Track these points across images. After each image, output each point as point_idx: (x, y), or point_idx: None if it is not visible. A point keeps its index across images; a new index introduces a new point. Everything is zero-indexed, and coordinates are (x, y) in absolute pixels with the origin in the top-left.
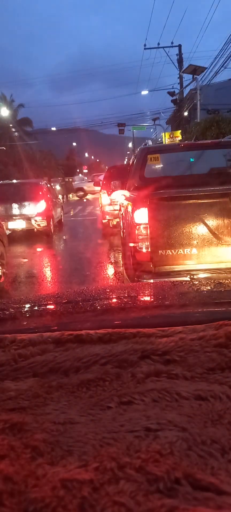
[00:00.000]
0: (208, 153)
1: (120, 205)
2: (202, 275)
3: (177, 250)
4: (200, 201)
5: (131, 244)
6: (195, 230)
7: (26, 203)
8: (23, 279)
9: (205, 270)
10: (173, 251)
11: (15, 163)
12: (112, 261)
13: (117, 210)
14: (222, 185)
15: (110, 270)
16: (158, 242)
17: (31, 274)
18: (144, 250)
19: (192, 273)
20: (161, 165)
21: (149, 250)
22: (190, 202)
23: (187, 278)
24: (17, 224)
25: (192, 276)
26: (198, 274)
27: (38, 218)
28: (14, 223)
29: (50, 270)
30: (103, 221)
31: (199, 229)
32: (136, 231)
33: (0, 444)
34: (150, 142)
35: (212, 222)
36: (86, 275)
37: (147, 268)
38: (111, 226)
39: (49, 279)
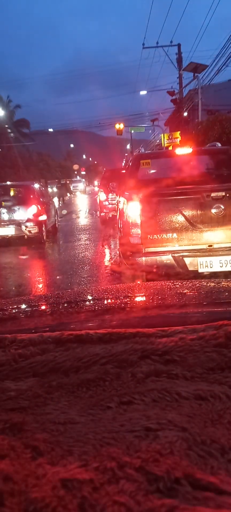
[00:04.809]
0: (191, 158)
1: (117, 202)
2: (181, 254)
3: (161, 235)
4: (179, 197)
5: (126, 231)
6: (175, 220)
7: (16, 208)
8: (4, 294)
9: (183, 251)
10: (158, 235)
11: (12, 164)
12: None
13: (112, 205)
14: (197, 184)
15: (108, 279)
16: (147, 229)
17: (16, 287)
18: (136, 235)
19: (173, 253)
20: (152, 169)
21: (140, 235)
22: (172, 198)
23: (169, 256)
24: (6, 231)
25: (173, 255)
26: (179, 253)
27: (29, 224)
28: (2, 229)
29: (41, 283)
30: (101, 214)
31: (178, 219)
32: (130, 221)
33: (0, 444)
34: (143, 150)
35: (189, 213)
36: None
37: (138, 249)
38: (107, 218)
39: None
